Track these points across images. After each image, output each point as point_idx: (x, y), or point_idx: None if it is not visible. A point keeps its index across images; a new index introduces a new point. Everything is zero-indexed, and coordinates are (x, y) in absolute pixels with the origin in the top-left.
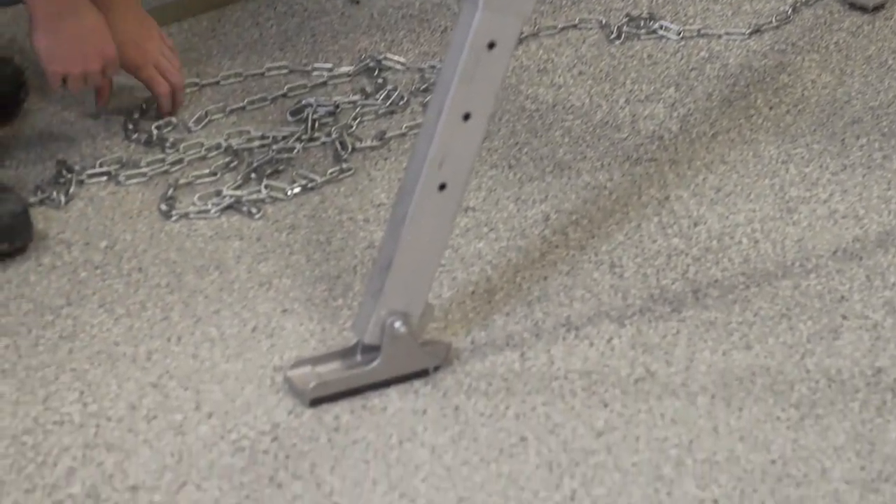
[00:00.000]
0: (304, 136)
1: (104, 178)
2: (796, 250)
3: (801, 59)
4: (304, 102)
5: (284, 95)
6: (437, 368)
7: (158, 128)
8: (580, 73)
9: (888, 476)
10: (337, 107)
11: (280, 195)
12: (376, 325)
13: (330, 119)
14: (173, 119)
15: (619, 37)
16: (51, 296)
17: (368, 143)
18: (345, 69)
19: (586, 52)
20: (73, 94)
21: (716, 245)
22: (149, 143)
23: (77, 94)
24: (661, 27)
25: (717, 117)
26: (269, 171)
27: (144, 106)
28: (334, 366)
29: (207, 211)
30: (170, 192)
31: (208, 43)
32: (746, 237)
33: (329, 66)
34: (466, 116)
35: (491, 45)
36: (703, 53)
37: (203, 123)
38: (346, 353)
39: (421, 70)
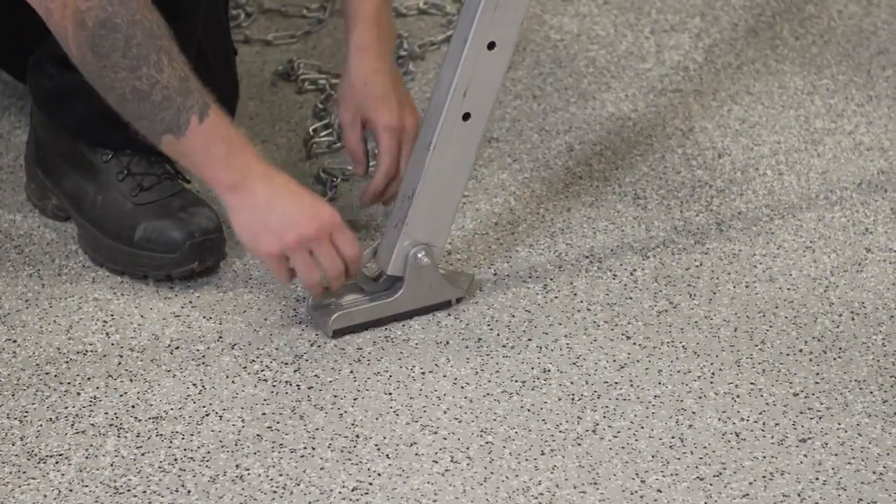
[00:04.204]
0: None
1: None
2: (821, 182)
3: None
4: None
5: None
6: (459, 300)
7: None
8: (605, 2)
9: None
10: None
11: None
12: (399, 256)
13: None
14: None
15: None
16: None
17: None
18: None
19: None
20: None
21: (740, 177)
22: None
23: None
24: None
25: (742, 48)
26: None
27: None
28: (357, 297)
29: None
30: None
31: None
32: (771, 169)
33: None
34: (491, 45)
35: None
36: None
37: None
38: (368, 284)
39: None
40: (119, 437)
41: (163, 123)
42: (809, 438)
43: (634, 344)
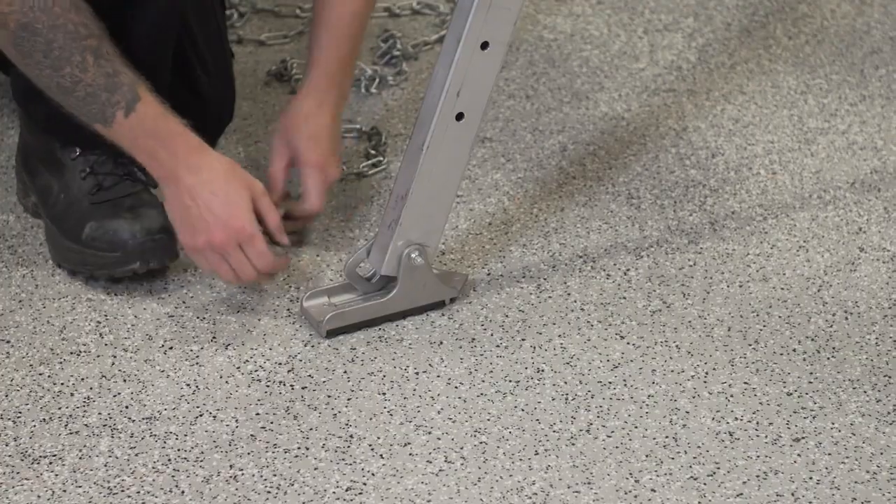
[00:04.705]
0: None
1: None
2: (814, 182)
3: None
4: None
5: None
6: (453, 300)
7: None
8: (598, 2)
9: None
10: None
11: None
12: (393, 257)
13: None
14: None
15: None
16: None
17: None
18: None
19: None
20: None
21: (733, 176)
22: None
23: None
24: None
25: (735, 47)
26: None
27: None
28: (350, 297)
29: None
30: None
31: None
32: (764, 168)
33: None
34: (485, 45)
35: None
36: None
37: None
38: (362, 284)
39: None
40: (113, 437)
41: (90, 116)
42: (803, 438)
43: (628, 343)
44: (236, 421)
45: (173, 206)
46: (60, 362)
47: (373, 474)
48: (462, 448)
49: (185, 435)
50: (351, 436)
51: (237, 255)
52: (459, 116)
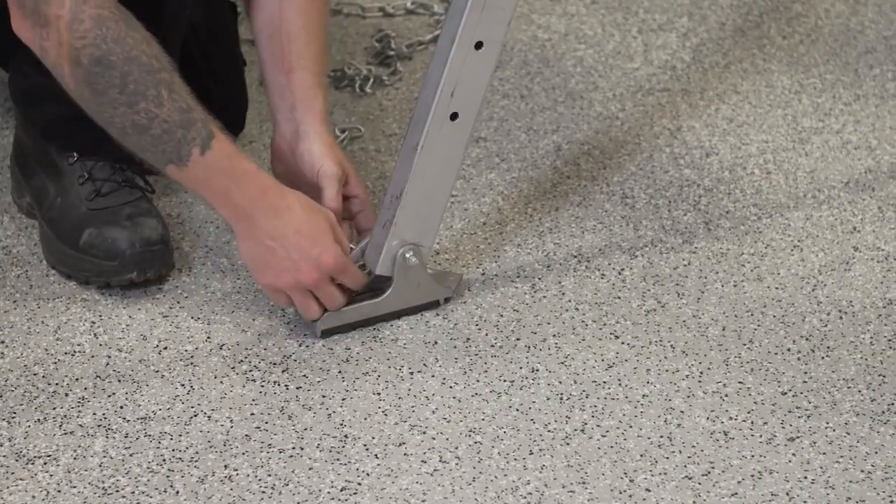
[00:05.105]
0: None
1: None
2: (808, 181)
3: None
4: None
5: None
6: (447, 300)
7: None
8: (592, 1)
9: None
10: None
11: None
12: (387, 256)
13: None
14: None
15: None
16: None
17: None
18: None
19: None
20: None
21: (728, 176)
22: None
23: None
24: None
25: (729, 47)
26: None
27: None
28: None
29: None
30: None
31: None
32: (759, 168)
33: None
34: (479, 45)
35: None
36: None
37: None
38: None
39: None
40: (107, 437)
41: (164, 155)
42: (798, 437)
43: (623, 343)
44: (231, 421)
45: (250, 247)
46: (55, 362)
47: (367, 474)
48: (457, 448)
49: (180, 435)
50: (346, 436)
51: (328, 287)
52: (454, 116)
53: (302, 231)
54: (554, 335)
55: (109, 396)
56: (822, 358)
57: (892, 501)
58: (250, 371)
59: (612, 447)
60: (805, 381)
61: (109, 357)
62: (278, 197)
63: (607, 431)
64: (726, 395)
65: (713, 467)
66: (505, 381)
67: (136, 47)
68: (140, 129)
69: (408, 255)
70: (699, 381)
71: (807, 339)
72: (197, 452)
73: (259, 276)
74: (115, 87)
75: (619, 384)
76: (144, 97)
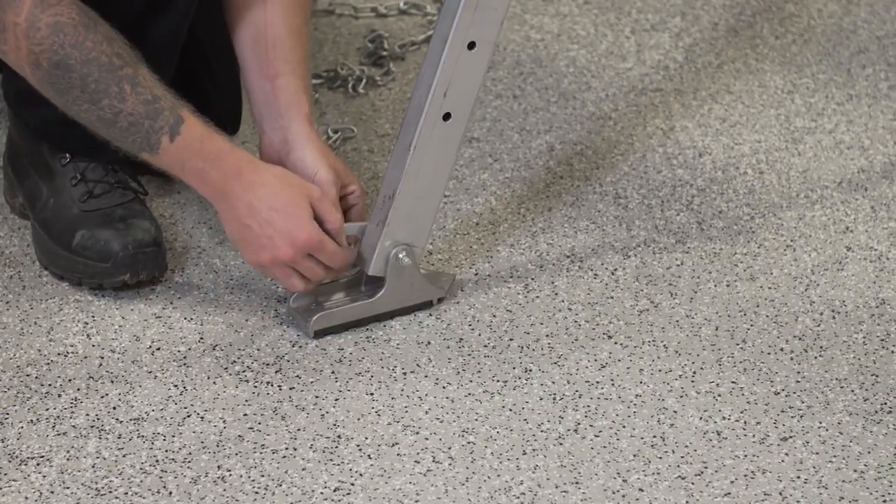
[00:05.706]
0: None
1: None
2: (801, 181)
3: None
4: None
5: None
6: (440, 300)
7: None
8: (585, 1)
9: (892, 408)
10: None
11: None
12: (380, 257)
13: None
14: None
15: None
16: None
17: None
18: None
19: None
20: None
21: (721, 176)
22: None
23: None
24: None
25: (722, 47)
26: None
27: None
28: (338, 297)
29: None
30: None
31: None
32: (751, 168)
33: None
34: (471, 45)
35: None
36: None
37: None
38: (349, 285)
39: None
40: (100, 438)
41: (135, 144)
42: (791, 437)
43: (616, 343)
44: (224, 422)
45: (231, 226)
46: (48, 363)
47: (361, 474)
48: (450, 448)
49: (173, 436)
50: (339, 436)
51: (306, 262)
52: (446, 116)
53: (275, 207)
54: (547, 335)
55: (102, 397)
56: (815, 358)
57: (884, 501)
58: (243, 372)
59: (605, 447)
60: (798, 381)
61: (102, 358)
62: (253, 173)
63: (600, 431)
64: (719, 395)
65: (706, 467)
66: (498, 381)
67: (94, 49)
68: (107, 123)
69: (400, 256)
70: (692, 381)
71: (800, 339)
72: (190, 453)
73: (243, 253)
74: (76, 87)
75: (613, 384)
76: (107, 94)
